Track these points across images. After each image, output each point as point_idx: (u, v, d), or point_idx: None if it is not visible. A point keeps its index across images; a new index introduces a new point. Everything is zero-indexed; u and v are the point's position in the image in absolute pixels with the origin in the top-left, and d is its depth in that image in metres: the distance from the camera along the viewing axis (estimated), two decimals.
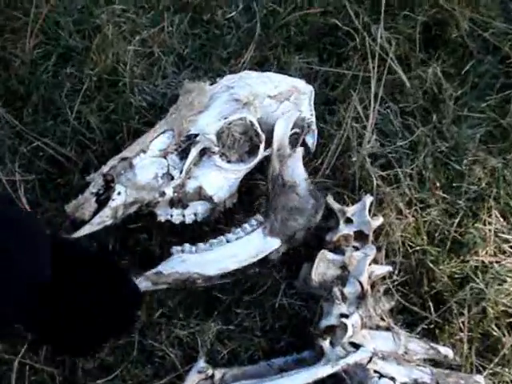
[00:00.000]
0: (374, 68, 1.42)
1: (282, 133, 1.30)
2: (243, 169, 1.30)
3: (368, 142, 1.38)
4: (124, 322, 1.07)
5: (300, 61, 1.51)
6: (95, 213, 1.21)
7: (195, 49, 1.53)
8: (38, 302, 0.89)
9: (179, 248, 1.23)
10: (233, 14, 1.57)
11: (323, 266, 1.23)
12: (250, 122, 1.28)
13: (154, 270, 1.20)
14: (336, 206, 1.31)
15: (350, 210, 1.30)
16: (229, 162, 1.28)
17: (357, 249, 1.26)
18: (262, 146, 1.29)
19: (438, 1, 1.56)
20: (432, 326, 1.27)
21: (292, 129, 1.31)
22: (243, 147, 1.30)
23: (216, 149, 1.26)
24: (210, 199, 1.26)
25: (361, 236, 1.28)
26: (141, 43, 1.52)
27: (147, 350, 1.23)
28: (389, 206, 1.34)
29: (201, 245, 1.24)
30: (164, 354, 1.23)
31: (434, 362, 1.20)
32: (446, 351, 1.21)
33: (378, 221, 1.30)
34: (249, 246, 1.24)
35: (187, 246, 1.23)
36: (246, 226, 1.26)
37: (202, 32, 1.55)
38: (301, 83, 1.37)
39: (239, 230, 1.25)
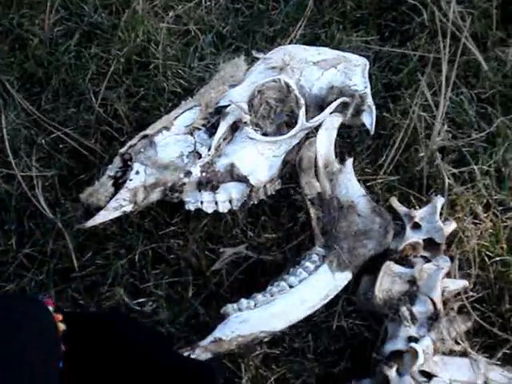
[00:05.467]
0: (445, 48, 1.36)
1: (325, 146, 1.19)
2: (281, 142, 1.18)
3: (438, 134, 1.31)
4: None
5: (357, 39, 1.45)
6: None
7: (236, 26, 1.47)
8: None
9: (235, 306, 1.12)
10: None
11: (388, 281, 1.14)
12: (286, 83, 1.17)
13: (211, 338, 1.09)
14: (401, 208, 1.22)
15: (419, 214, 1.20)
16: (264, 134, 1.18)
17: (427, 260, 1.17)
18: (302, 112, 1.17)
19: None
20: None
21: (338, 98, 1.20)
22: (280, 117, 1.19)
23: (247, 117, 1.16)
24: (244, 179, 1.16)
25: (431, 244, 1.19)
26: (175, 20, 1.47)
27: None
28: (463, 209, 1.26)
29: (259, 297, 1.12)
30: None
31: None
32: None
33: (451, 226, 1.21)
34: (317, 287, 1.13)
35: (244, 301, 1.12)
36: (307, 264, 1.14)
37: (245, 7, 1.49)
38: (352, 55, 1.27)
39: (300, 269, 1.14)
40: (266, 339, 1.12)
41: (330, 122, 1.20)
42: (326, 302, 1.13)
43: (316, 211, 1.17)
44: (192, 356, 1.07)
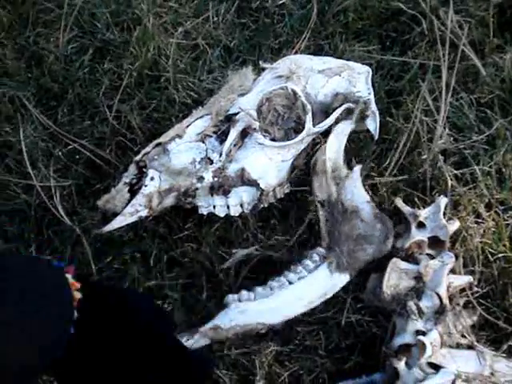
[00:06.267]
0: (444, 55, 1.37)
1: (335, 151, 1.22)
2: (289, 147, 1.20)
3: (440, 138, 1.31)
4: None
5: (360, 49, 1.44)
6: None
7: (243, 40, 1.48)
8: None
9: (235, 296, 1.15)
10: None
11: (395, 277, 1.15)
12: (293, 91, 1.21)
13: (210, 325, 1.12)
14: (406, 208, 1.23)
15: (423, 214, 1.22)
16: (273, 140, 1.20)
17: (432, 257, 1.19)
18: (309, 118, 1.20)
19: None
20: None
21: (342, 104, 1.23)
22: (288, 123, 1.22)
23: (256, 124, 1.18)
24: (255, 183, 1.18)
25: (436, 242, 1.20)
26: (184, 35, 1.47)
27: None
28: (465, 209, 1.26)
29: (259, 289, 1.15)
30: (216, 377, 1.16)
31: None
32: None
33: (454, 225, 1.22)
34: (315, 285, 1.15)
35: (244, 293, 1.15)
36: (307, 262, 1.16)
37: (251, 21, 1.50)
38: (355, 63, 1.30)
39: (300, 267, 1.16)
40: (262, 331, 1.13)
41: (341, 129, 1.22)
42: (323, 300, 1.14)
43: (324, 213, 1.18)
44: (191, 341, 1.09)
